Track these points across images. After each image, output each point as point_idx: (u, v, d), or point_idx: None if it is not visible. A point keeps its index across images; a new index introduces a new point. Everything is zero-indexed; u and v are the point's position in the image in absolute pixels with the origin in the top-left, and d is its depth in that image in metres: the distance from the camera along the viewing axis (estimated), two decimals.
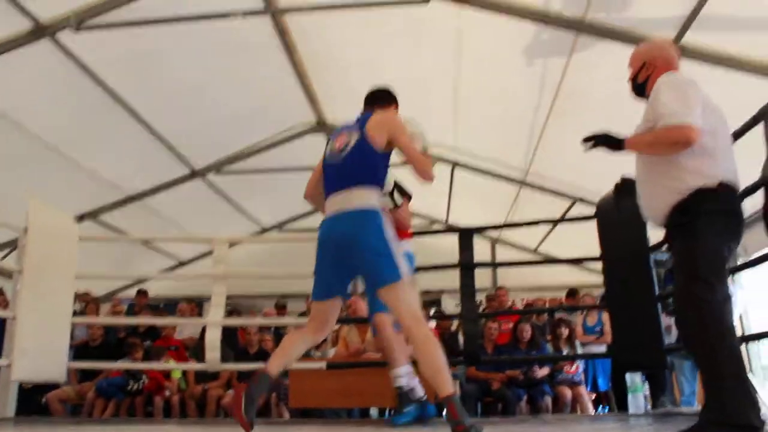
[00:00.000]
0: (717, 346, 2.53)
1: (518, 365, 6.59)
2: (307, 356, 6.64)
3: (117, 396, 6.69)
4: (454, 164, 8.43)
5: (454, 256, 5.41)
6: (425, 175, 3.31)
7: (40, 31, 5.66)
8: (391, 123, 3.34)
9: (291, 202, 10.52)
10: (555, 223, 7.22)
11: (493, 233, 10.47)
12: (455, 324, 8.12)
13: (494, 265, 9.15)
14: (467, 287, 5.06)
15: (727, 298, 2.61)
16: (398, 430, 3.68)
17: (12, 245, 8.01)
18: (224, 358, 5.48)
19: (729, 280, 2.80)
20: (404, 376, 3.89)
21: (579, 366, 6.74)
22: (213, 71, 6.78)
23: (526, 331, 6.71)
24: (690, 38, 4.93)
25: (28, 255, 5.15)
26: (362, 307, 5.86)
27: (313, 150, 8.69)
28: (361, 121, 3.36)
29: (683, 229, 2.75)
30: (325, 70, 7.10)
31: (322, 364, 5.22)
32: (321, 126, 8.35)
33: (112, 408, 6.62)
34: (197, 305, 8.59)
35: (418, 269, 5.46)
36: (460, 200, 9.52)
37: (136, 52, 6.24)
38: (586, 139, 3.07)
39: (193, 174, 8.67)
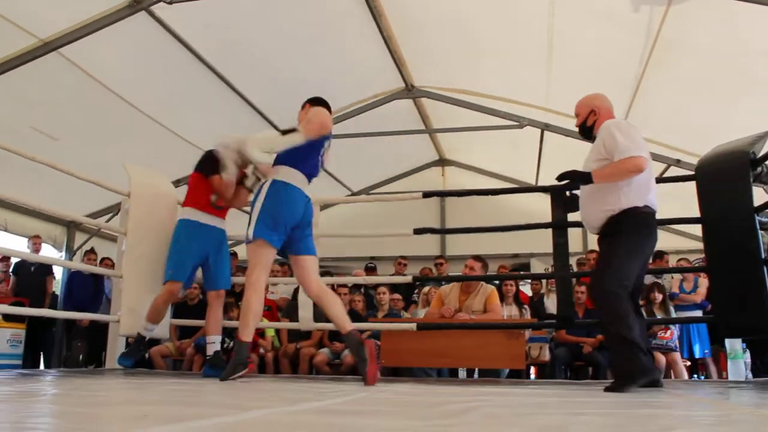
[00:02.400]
0: (618, 328, 3.39)
1: None
2: (397, 317, 6.75)
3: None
4: (544, 126, 8.27)
5: (541, 218, 5.34)
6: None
7: (136, 5, 5.85)
8: None
9: (378, 166, 10.61)
10: None
11: None
12: (544, 288, 8.07)
13: None
14: (560, 247, 4.95)
15: (626, 289, 3.47)
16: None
17: (114, 209, 8.41)
18: (316, 318, 5.59)
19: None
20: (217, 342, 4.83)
21: (674, 332, 6.58)
22: (301, 39, 6.86)
23: None
24: None
25: (131, 218, 5.37)
26: (478, 268, 5.96)
27: (401, 114, 8.74)
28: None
29: (612, 237, 3.60)
30: (413, 33, 7.07)
31: (413, 325, 5.26)
32: (409, 90, 8.32)
33: None
34: (289, 267, 8.80)
35: (505, 229, 5.47)
36: (550, 163, 9.35)
37: (225, 22, 6.38)
38: (560, 177, 3.79)
39: None
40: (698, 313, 6.84)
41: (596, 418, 1.97)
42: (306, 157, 4.05)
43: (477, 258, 6.10)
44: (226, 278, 4.94)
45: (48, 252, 8.93)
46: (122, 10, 5.86)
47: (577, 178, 3.72)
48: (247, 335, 3.90)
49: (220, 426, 1.55)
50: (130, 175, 5.42)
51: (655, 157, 7.70)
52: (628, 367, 3.35)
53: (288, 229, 3.97)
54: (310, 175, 4.11)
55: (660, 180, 6.75)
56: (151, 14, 6.00)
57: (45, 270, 8.26)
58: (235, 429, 1.51)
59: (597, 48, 6.41)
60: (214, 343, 4.83)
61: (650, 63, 6.15)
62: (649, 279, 7.28)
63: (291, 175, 4.00)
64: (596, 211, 3.69)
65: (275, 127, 8.41)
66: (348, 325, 3.91)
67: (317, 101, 4.26)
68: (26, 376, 4.44)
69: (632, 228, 3.55)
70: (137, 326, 5.09)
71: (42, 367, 8.27)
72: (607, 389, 3.34)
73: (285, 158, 4.02)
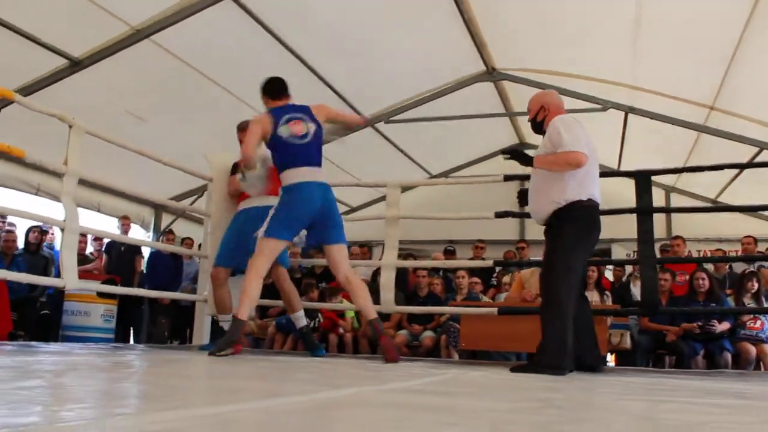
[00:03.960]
0: (555, 314, 3.64)
1: (695, 318, 6.30)
2: (476, 300, 6.74)
3: (294, 332, 7.12)
4: (629, 110, 8.07)
5: (624, 204, 5.24)
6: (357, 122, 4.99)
7: None
8: (324, 108, 4.50)
9: (457, 150, 10.58)
10: (743, 167, 6.69)
11: (668, 181, 9.99)
12: (626, 274, 7.91)
13: (673, 210, 8.70)
14: (645, 234, 4.84)
15: (575, 282, 3.78)
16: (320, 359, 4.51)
17: (200, 191, 8.69)
18: (395, 301, 5.66)
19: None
20: (303, 317, 5.02)
21: (764, 322, 6.34)
22: (381, 23, 6.88)
23: (703, 278, 6.35)
24: None
25: (214, 202, 5.56)
26: None
27: (481, 98, 8.67)
28: (308, 114, 4.35)
29: (556, 229, 3.81)
30: (494, 14, 6.98)
31: (493, 310, 5.26)
32: (490, 74, 8.25)
33: (291, 342, 7.07)
34: (368, 249, 8.93)
35: None
36: (633, 147, 9.13)
37: (306, 6, 6.45)
38: (504, 151, 4.16)
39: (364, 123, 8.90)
40: None
41: (683, 406, 1.95)
42: (288, 152, 4.24)
43: None
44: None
45: (136, 232, 9.29)
46: None
47: (520, 157, 4.03)
48: (242, 314, 4.09)
49: (315, 402, 1.61)
50: (211, 163, 5.61)
51: (743, 140, 7.42)
52: (554, 355, 3.54)
53: (306, 223, 4.26)
54: (310, 161, 4.26)
55: (753, 164, 6.54)
56: (236, 1, 6.14)
57: (134, 250, 8.60)
58: (329, 405, 1.57)
59: (688, 17, 6.10)
60: (299, 319, 5.05)
61: (749, 27, 5.80)
62: (741, 267, 7.03)
63: (296, 175, 4.21)
64: (543, 203, 3.89)
65: (354, 109, 8.48)
66: (372, 314, 4.31)
67: (266, 90, 4.51)
68: (119, 349, 4.67)
69: (576, 220, 3.76)
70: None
71: (132, 342, 8.63)
72: (514, 370, 3.68)
73: (280, 165, 4.29)
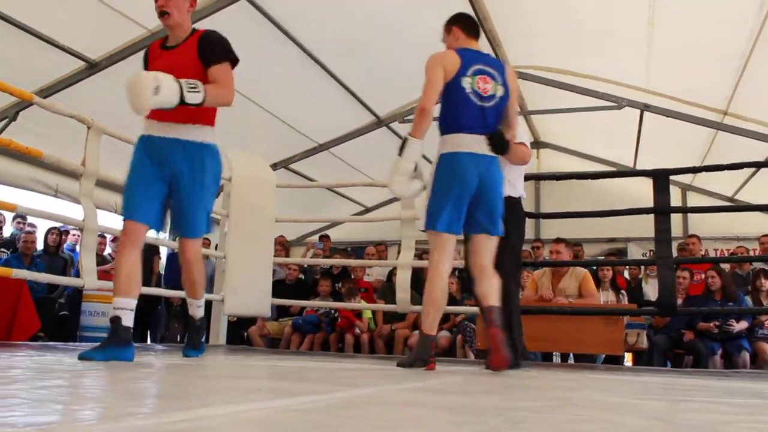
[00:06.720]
0: (512, 309, 3.80)
1: (712, 317, 6.25)
2: None
3: (311, 332, 7.16)
4: (644, 107, 8.01)
5: (639, 203, 5.21)
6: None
7: None
8: (517, 85, 3.63)
9: None
10: (762, 165, 6.61)
11: (685, 180, 9.92)
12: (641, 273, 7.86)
13: (690, 210, 8.63)
14: (662, 233, 4.84)
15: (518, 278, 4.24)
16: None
17: (218, 191, 8.71)
18: (411, 300, 5.67)
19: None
20: (202, 308, 3.98)
21: None
22: (393, 20, 6.88)
23: (713, 277, 6.28)
24: None
25: (233, 202, 5.59)
26: (563, 249, 5.91)
27: None
28: (502, 73, 3.48)
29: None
30: (508, 12, 6.97)
31: None
32: None
33: (308, 343, 7.10)
34: (385, 248, 8.95)
35: (606, 214, 5.37)
36: (649, 146, 9.07)
37: (320, 5, 6.47)
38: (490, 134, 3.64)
39: (378, 123, 8.91)
40: None
41: (702, 405, 1.94)
42: (456, 112, 3.42)
43: (559, 240, 6.04)
44: (192, 223, 3.53)
45: (151, 233, 9.33)
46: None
47: (498, 140, 3.42)
48: (428, 327, 3.36)
49: (334, 401, 1.62)
50: (232, 161, 5.63)
51: (761, 137, 7.34)
52: (524, 348, 3.85)
53: (465, 203, 3.37)
54: (481, 129, 3.40)
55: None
56: (252, 2, 6.17)
57: (152, 251, 8.65)
58: (348, 404, 1.58)
59: (701, 23, 6.10)
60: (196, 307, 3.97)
61: (761, 37, 5.80)
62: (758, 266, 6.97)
63: (455, 142, 3.40)
64: None
65: (369, 109, 8.50)
66: (489, 302, 3.39)
67: (463, 24, 3.63)
68: (137, 350, 4.69)
69: (520, 217, 4.03)
70: (241, 305, 5.29)
71: (149, 342, 8.68)
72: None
73: (443, 123, 3.49)
